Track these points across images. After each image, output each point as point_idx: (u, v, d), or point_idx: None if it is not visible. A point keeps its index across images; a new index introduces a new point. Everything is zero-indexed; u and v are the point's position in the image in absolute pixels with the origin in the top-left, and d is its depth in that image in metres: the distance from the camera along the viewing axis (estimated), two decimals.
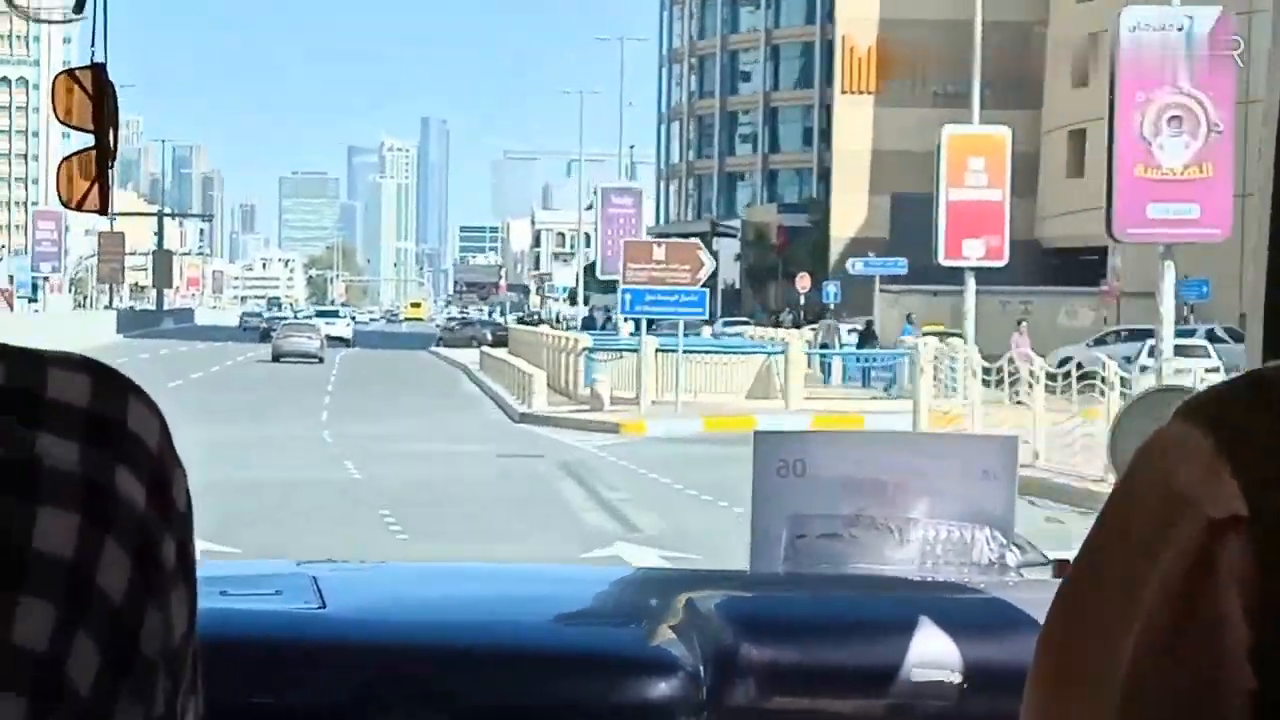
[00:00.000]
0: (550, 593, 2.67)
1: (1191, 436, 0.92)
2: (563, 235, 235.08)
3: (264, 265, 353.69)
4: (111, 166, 2.12)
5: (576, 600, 2.60)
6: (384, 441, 29.28)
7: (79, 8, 2.06)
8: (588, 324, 69.26)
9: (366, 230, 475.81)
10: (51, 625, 0.92)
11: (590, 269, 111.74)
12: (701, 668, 2.25)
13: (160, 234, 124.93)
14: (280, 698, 2.22)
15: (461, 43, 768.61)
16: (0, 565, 0.92)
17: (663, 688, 2.25)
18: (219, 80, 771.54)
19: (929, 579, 2.66)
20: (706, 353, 37.08)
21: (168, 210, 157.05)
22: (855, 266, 59.46)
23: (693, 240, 39.79)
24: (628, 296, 33.69)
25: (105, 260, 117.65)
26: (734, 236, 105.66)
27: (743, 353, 38.68)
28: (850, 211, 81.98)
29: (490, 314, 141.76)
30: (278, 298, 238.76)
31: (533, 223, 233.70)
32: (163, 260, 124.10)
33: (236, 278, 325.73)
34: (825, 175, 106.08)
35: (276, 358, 62.90)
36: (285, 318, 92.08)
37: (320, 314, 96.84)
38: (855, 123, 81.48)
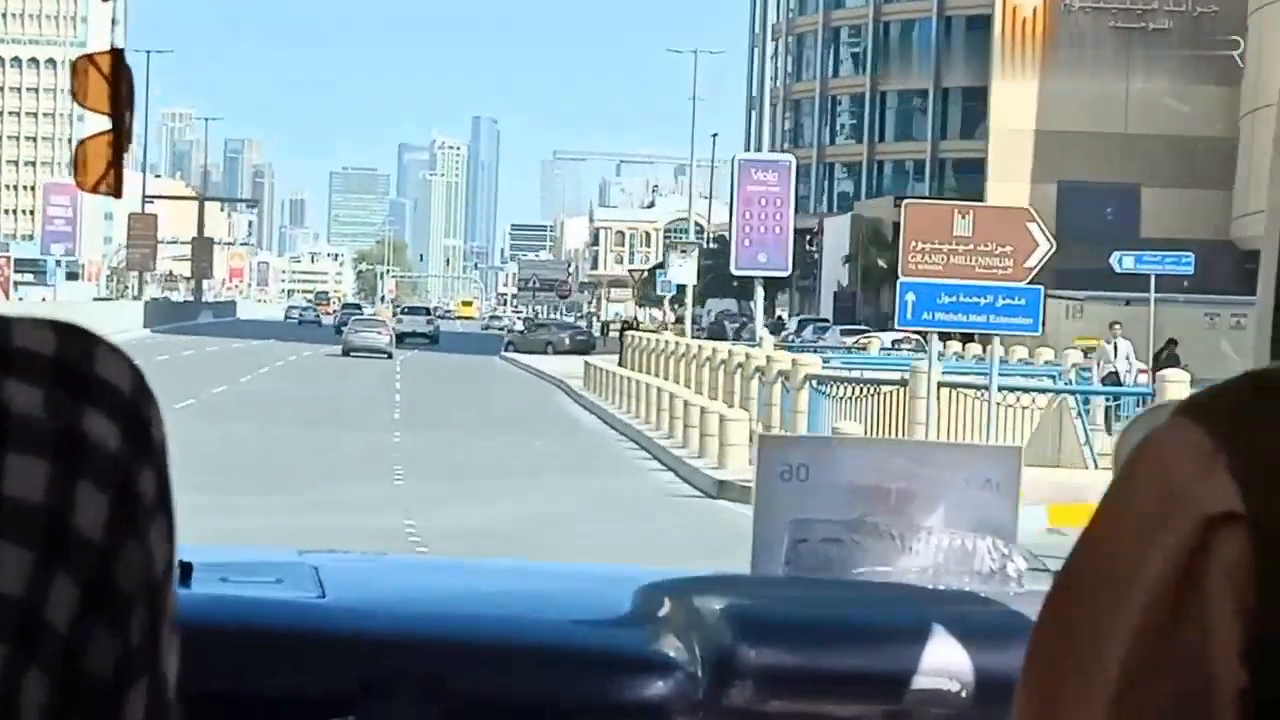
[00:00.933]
0: (551, 590, 2.60)
1: (1189, 434, 0.91)
2: (622, 234, 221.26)
3: (312, 259, 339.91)
4: (126, 150, 2.05)
5: (577, 598, 2.53)
6: (514, 544, 15.16)
7: None
8: (715, 331, 54.51)
9: (416, 227, 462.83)
10: (28, 570, 0.93)
11: (711, 263, 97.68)
12: (699, 669, 2.21)
13: (200, 219, 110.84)
14: (276, 685, 2.18)
15: (513, 43, 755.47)
16: None
17: (660, 687, 2.21)
18: (273, 74, 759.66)
19: (930, 586, 2.58)
20: (1004, 388, 22.64)
21: (209, 195, 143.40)
22: (1123, 262, 44.95)
23: (1019, 207, 25.44)
24: (910, 296, 19.41)
25: (135, 245, 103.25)
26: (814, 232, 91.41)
27: (1087, 393, 24.09)
28: (1008, 203, 67.09)
29: (549, 314, 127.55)
30: (325, 292, 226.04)
31: (591, 220, 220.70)
32: (202, 248, 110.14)
33: (284, 271, 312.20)
34: (940, 168, 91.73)
35: (347, 352, 62.54)
36: (359, 313, 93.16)
37: (407, 310, 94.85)
38: (1016, 99, 66.70)
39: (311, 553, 2.69)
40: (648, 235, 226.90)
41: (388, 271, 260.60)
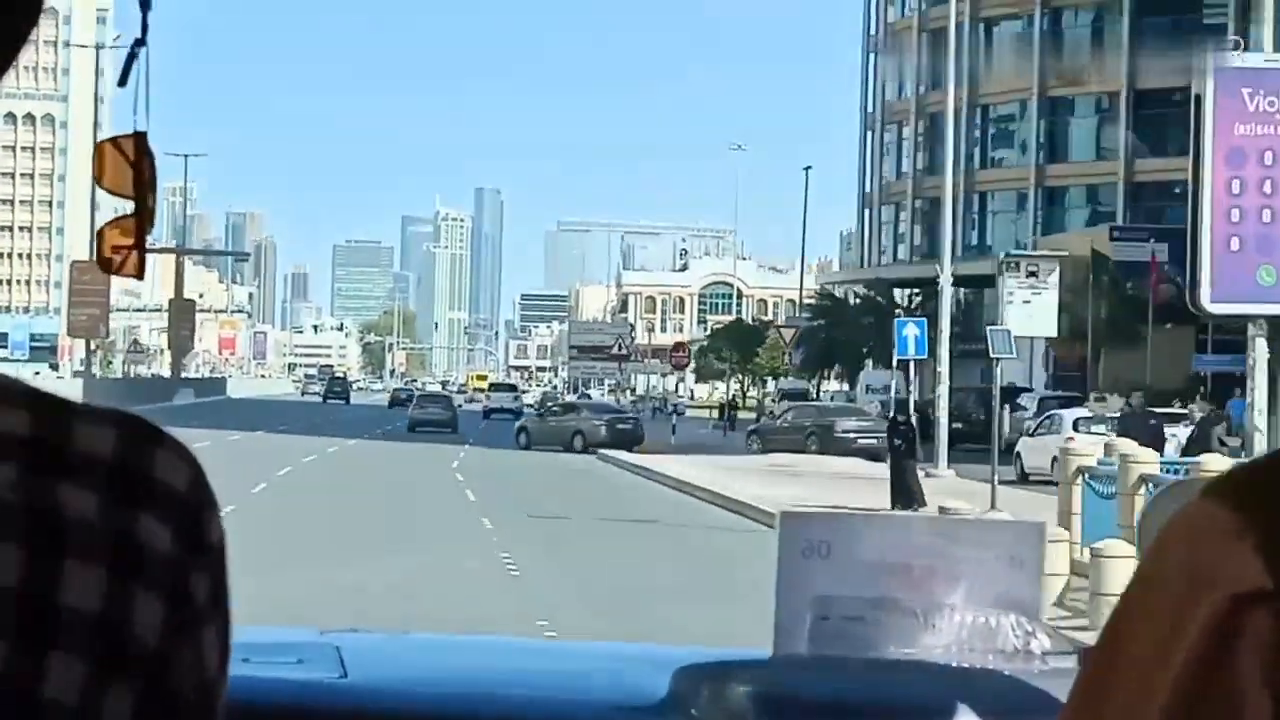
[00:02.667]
0: (574, 670, 2.61)
1: (1217, 513, 0.90)
2: (653, 299, 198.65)
3: (315, 331, 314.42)
4: (149, 232, 2.13)
5: (601, 679, 2.51)
6: None
7: (123, 81, 2.02)
8: (1200, 438, 26.71)
9: (420, 300, 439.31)
10: (82, 679, 0.92)
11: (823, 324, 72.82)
12: None
13: (179, 277, 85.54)
14: None
15: (516, 115, 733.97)
16: (30, 621, 0.92)
17: None
18: (275, 148, 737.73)
19: (954, 664, 2.53)
20: None
21: (188, 248, 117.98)
22: None
23: None
24: None
25: (80, 305, 77.71)
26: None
27: None
28: None
29: (581, 385, 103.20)
30: (330, 365, 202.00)
31: (618, 285, 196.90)
32: (181, 313, 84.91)
33: (285, 345, 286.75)
34: (1135, 192, 66.98)
35: (412, 427, 63.97)
36: (419, 389, 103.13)
37: (494, 387, 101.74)
38: None
39: (333, 632, 2.65)
40: (681, 301, 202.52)
41: (397, 344, 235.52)
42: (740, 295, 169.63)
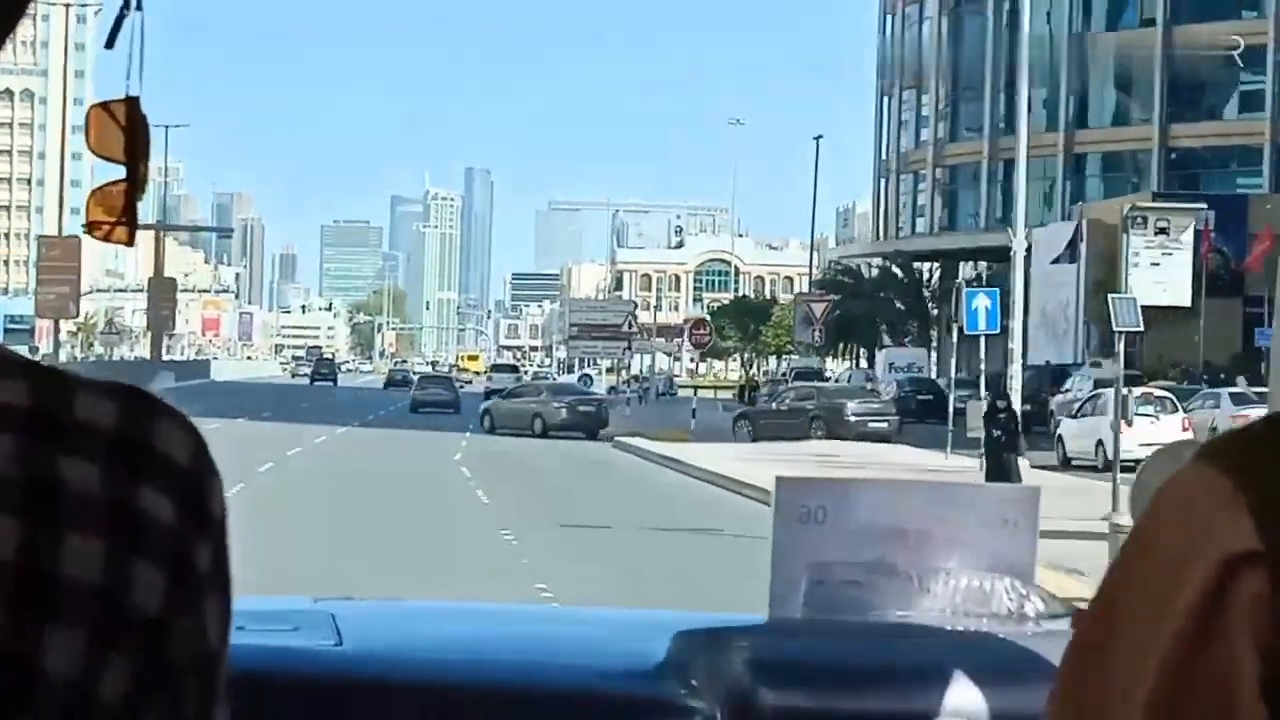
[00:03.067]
0: (570, 635, 2.64)
1: (1209, 476, 0.93)
2: (648, 277, 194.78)
3: (303, 311, 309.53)
4: (140, 199, 2.09)
5: (597, 644, 2.53)
6: None
7: (110, 43, 2.02)
8: None
9: (409, 280, 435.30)
10: (83, 651, 0.93)
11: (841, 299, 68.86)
12: (719, 713, 2.21)
13: (158, 254, 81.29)
14: None
15: (506, 94, 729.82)
16: (29, 594, 0.92)
17: None
18: (263, 128, 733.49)
19: (948, 627, 2.58)
20: None
21: (169, 224, 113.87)
22: None
23: None
24: None
25: (48, 284, 73.26)
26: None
27: None
28: None
29: (579, 366, 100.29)
30: (319, 346, 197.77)
31: (612, 262, 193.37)
32: (161, 292, 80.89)
33: (272, 326, 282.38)
34: (1166, 158, 63.48)
35: (415, 408, 64.80)
36: (413, 372, 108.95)
37: (495, 368, 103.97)
38: None
39: (327, 600, 2.66)
40: (676, 278, 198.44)
41: (386, 324, 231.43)
42: (737, 272, 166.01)
